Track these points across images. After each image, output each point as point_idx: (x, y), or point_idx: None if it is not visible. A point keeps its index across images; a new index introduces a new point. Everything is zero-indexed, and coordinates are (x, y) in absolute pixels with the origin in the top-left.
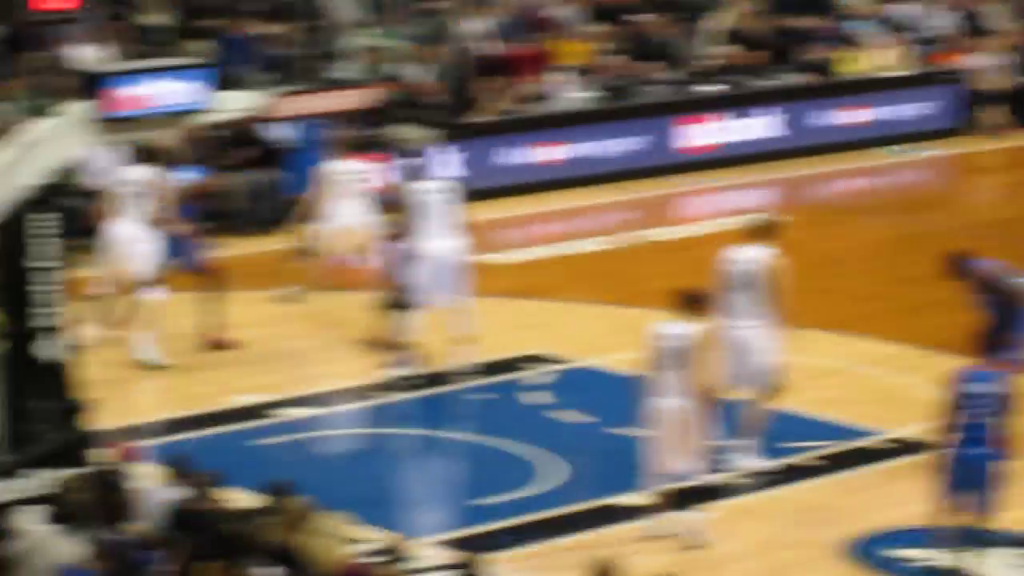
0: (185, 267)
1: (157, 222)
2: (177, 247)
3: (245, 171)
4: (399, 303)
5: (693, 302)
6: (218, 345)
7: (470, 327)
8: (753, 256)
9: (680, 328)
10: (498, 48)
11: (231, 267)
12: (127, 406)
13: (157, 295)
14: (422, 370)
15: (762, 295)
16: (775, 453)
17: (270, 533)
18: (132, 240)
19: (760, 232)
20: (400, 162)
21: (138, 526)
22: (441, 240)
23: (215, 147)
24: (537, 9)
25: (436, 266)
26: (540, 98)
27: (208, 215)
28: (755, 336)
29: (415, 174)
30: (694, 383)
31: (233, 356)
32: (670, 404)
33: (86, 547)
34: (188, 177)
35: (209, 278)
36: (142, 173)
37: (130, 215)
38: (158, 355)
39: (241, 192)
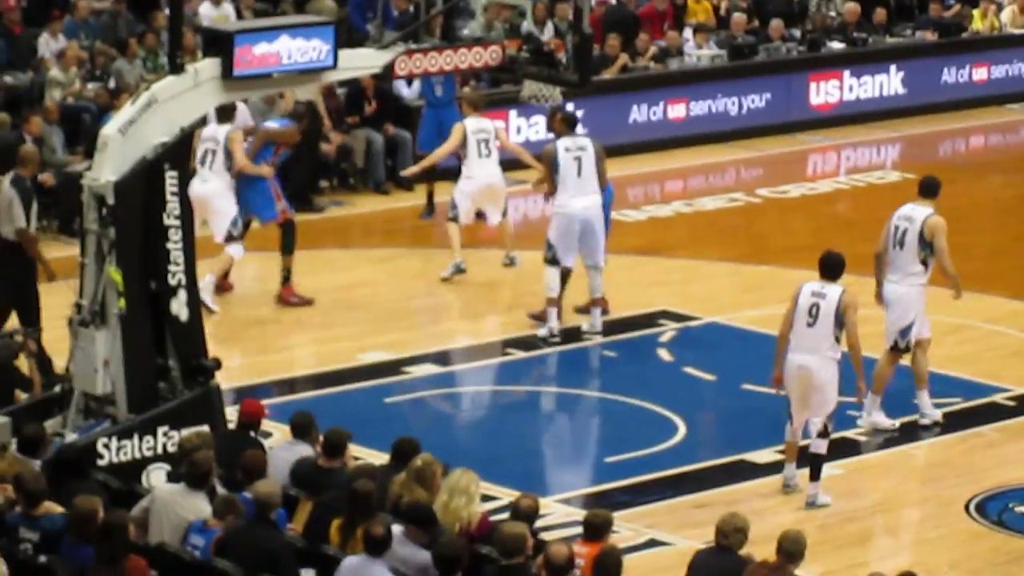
0: (263, 220)
1: (237, 175)
2: (257, 199)
3: (369, 128)
4: (545, 259)
5: (834, 264)
6: (282, 300)
7: (602, 285)
8: (913, 213)
9: (821, 287)
10: (626, 5)
11: (358, 224)
12: (254, 363)
13: (235, 250)
14: (558, 327)
15: (915, 252)
16: (903, 410)
17: (398, 490)
18: (209, 196)
19: (926, 190)
20: (539, 118)
21: (264, 484)
22: (582, 198)
23: (339, 104)
24: None
25: (575, 224)
26: (667, 55)
27: (330, 172)
28: (899, 293)
29: (559, 130)
30: (836, 341)
31: (362, 314)
32: (807, 361)
33: (212, 505)
34: (276, 124)
35: (282, 230)
36: (217, 130)
37: (208, 171)
38: (210, 301)
39: (365, 149)
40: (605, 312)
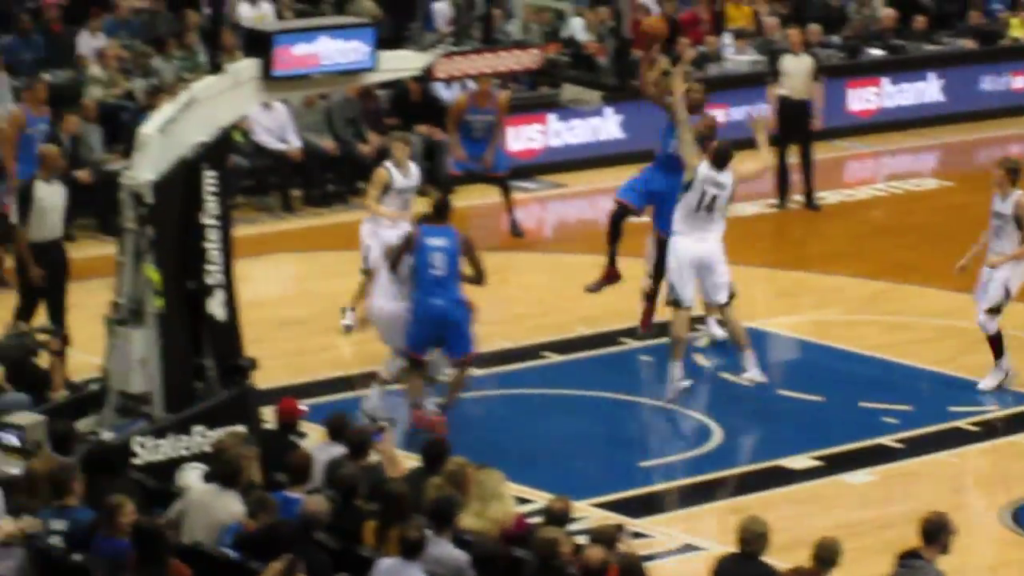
0: None
1: None
2: None
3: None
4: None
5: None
6: None
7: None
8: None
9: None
10: (664, 10)
11: None
12: (290, 364)
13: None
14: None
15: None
16: (945, 417)
17: (430, 492)
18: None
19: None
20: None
21: (313, 501)
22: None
23: (378, 106)
24: None
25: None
26: (705, 61)
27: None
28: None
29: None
30: None
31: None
32: None
33: (246, 505)
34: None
35: None
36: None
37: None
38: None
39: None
40: None
